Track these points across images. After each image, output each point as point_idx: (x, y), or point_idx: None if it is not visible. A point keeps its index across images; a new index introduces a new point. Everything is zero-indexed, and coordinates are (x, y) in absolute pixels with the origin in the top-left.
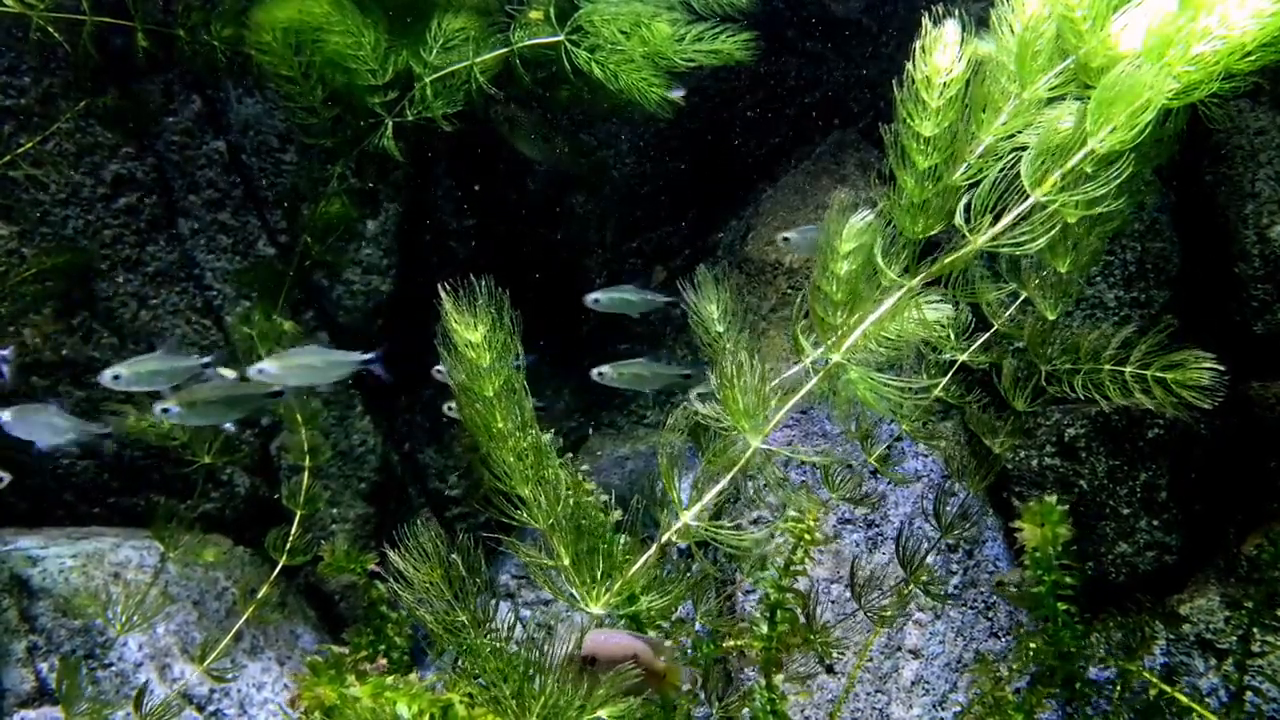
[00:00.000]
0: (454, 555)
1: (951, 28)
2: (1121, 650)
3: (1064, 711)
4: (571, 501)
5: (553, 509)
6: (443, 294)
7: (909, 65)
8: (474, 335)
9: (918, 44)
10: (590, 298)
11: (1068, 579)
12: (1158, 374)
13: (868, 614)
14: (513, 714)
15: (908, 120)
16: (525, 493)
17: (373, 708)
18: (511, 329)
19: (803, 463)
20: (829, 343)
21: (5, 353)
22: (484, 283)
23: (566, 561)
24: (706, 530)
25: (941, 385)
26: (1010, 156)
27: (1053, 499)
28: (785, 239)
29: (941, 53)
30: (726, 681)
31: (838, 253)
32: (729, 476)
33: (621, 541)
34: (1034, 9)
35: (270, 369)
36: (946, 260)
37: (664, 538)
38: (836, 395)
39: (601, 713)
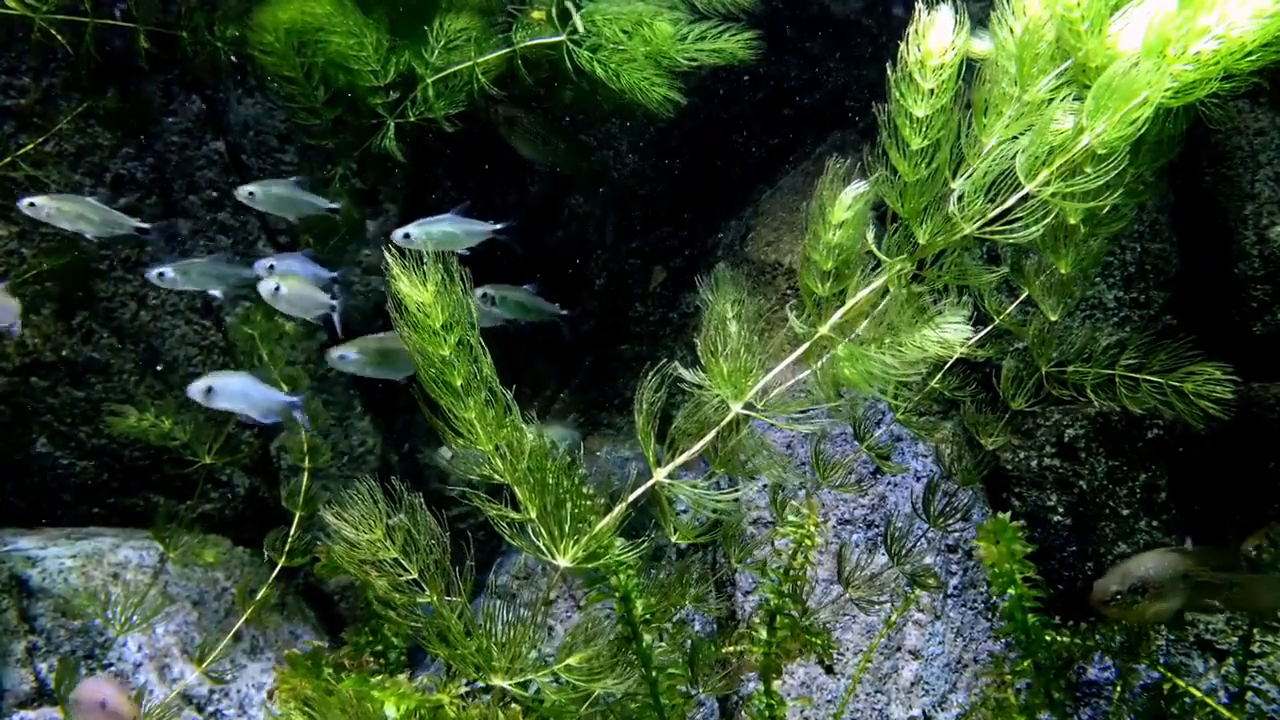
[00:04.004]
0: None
1: (945, 12)
2: (1122, 650)
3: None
4: (537, 452)
5: (518, 461)
6: (387, 255)
7: (902, 48)
8: (424, 295)
9: (911, 29)
10: (244, 190)
11: (1034, 592)
12: (1174, 383)
13: (856, 603)
14: (476, 667)
15: (900, 101)
16: (489, 448)
17: (352, 702)
18: (463, 286)
19: (801, 462)
20: (816, 316)
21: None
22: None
23: (533, 514)
24: (678, 488)
25: (939, 375)
26: (1010, 153)
27: (1006, 516)
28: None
29: (935, 37)
30: (726, 681)
31: (829, 222)
32: (709, 436)
33: (588, 490)
34: (1034, 11)
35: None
36: (938, 240)
37: (635, 493)
38: (824, 374)
39: (571, 660)
